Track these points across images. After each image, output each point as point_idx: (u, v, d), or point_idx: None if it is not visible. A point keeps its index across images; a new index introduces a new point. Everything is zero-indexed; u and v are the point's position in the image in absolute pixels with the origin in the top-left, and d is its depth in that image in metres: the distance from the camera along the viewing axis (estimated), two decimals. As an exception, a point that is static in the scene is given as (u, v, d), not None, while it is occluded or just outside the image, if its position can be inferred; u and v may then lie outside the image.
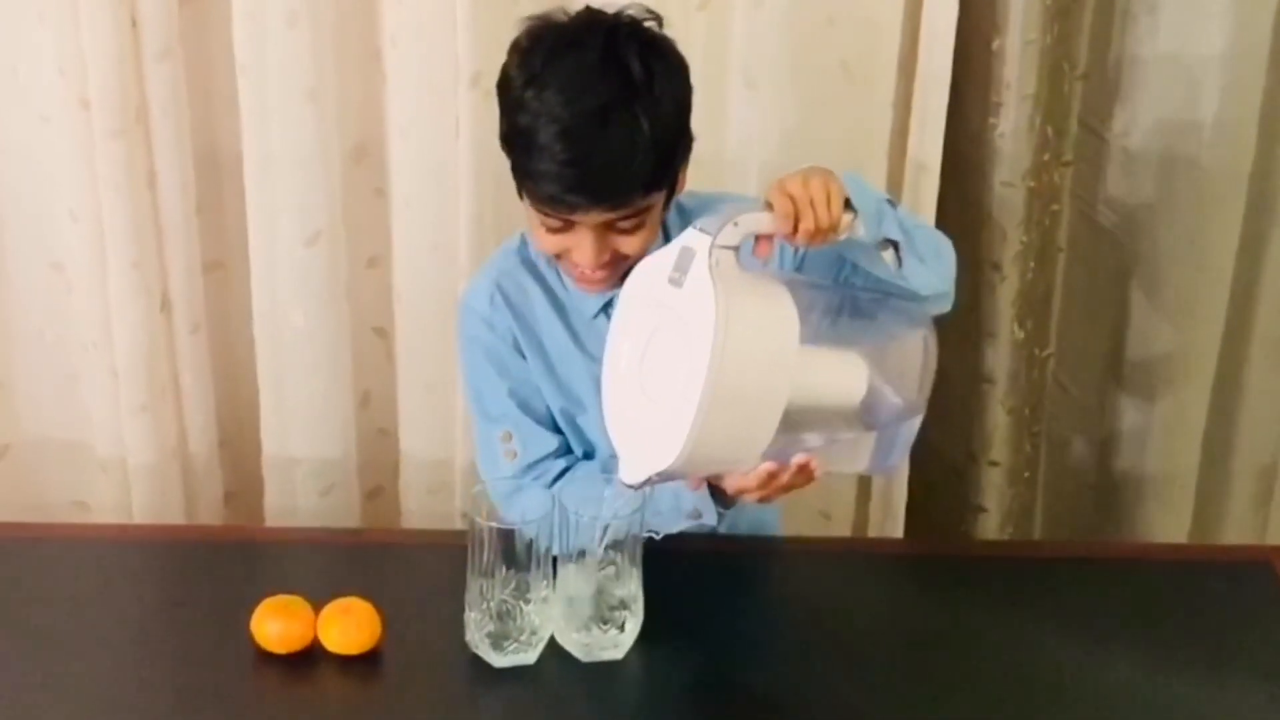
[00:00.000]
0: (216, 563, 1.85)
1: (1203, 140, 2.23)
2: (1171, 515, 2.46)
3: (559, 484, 1.77)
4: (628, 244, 1.63)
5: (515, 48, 1.62)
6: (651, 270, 1.49)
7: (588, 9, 1.64)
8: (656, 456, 1.42)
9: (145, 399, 2.23)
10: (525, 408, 1.81)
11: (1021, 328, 2.31)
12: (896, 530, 2.40)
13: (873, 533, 2.42)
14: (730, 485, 1.58)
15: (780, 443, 1.45)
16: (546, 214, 1.61)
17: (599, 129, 1.53)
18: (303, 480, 2.33)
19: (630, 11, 1.63)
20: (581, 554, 1.57)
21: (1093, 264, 2.36)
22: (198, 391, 2.30)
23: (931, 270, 1.62)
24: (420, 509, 2.37)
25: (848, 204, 1.49)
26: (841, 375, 1.50)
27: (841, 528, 2.43)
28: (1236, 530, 2.54)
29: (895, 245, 1.57)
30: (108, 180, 2.10)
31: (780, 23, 2.15)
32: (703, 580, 1.77)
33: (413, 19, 2.09)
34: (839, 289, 1.70)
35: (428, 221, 2.19)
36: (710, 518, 1.68)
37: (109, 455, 2.31)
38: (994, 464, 2.40)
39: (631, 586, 1.59)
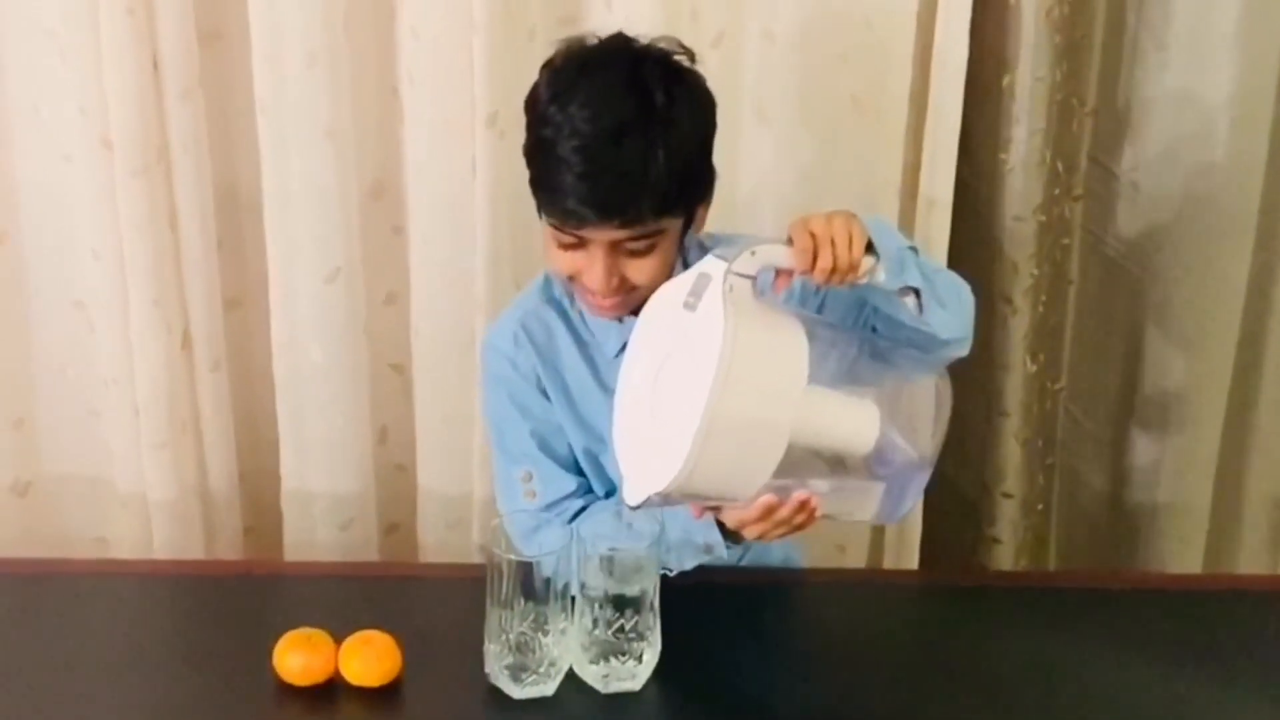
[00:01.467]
0: (238, 597, 1.86)
1: (1212, 175, 2.24)
2: (1184, 546, 2.46)
3: (576, 521, 1.79)
4: (638, 270, 1.66)
5: (548, 65, 1.68)
6: (670, 294, 1.51)
7: (620, 34, 1.69)
8: (656, 477, 1.43)
9: (166, 435, 2.25)
10: (546, 448, 1.83)
11: (1034, 360, 2.32)
12: (912, 562, 2.40)
13: (888, 564, 2.43)
14: (730, 519, 1.59)
15: (786, 481, 1.46)
16: (559, 229, 1.64)
17: (614, 145, 1.58)
18: (322, 515, 2.34)
19: (662, 44, 1.68)
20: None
21: (1104, 297, 2.37)
22: (218, 427, 2.31)
23: (952, 314, 1.63)
24: (438, 543, 2.38)
25: (870, 248, 1.51)
26: (854, 420, 1.50)
27: (857, 559, 2.44)
28: (1249, 561, 2.54)
29: (917, 292, 1.58)
30: (129, 219, 2.12)
31: (792, 58, 2.17)
32: (719, 611, 1.78)
33: (430, 59, 2.11)
34: (858, 333, 1.71)
35: (445, 258, 2.21)
36: (721, 551, 1.69)
37: (130, 491, 2.33)
38: (1008, 495, 2.40)
39: (649, 618, 1.60)
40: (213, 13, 2.14)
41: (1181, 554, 2.47)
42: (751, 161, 2.21)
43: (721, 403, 1.36)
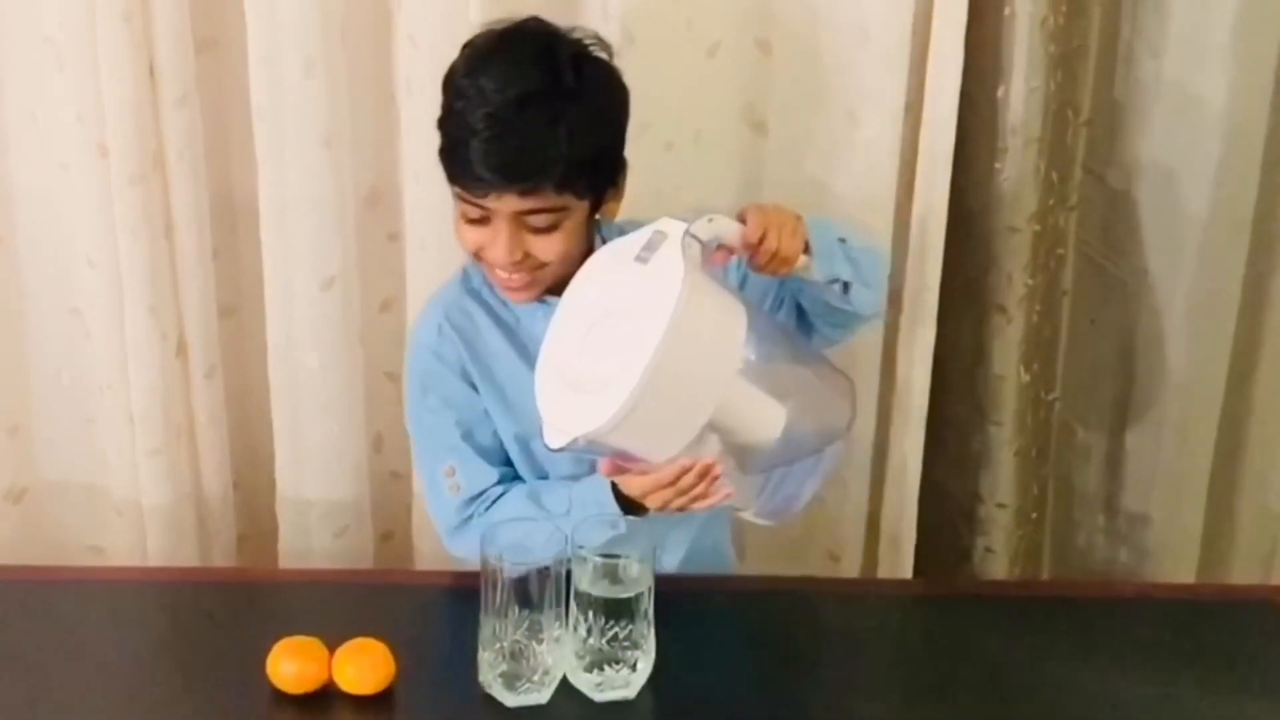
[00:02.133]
0: (232, 604, 1.86)
1: (1206, 186, 2.23)
2: (1177, 556, 2.46)
3: (492, 509, 1.82)
4: (541, 246, 1.71)
5: (466, 45, 1.75)
6: (617, 250, 1.56)
7: (537, 18, 1.75)
8: (587, 420, 1.46)
9: (160, 442, 2.25)
10: (470, 439, 1.85)
11: (1028, 370, 2.33)
12: (906, 571, 2.40)
13: (882, 574, 2.43)
14: (634, 486, 1.65)
15: (693, 449, 1.51)
16: (466, 200, 1.70)
17: (518, 111, 1.64)
18: (316, 522, 2.33)
19: (578, 34, 1.75)
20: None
21: (1098, 307, 2.37)
22: (213, 434, 2.31)
23: (876, 292, 1.77)
24: (432, 551, 2.36)
25: (806, 248, 1.61)
26: (764, 414, 1.56)
27: (850, 569, 2.44)
28: (1242, 571, 2.54)
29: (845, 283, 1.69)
30: (125, 225, 2.12)
31: (787, 69, 2.18)
32: (714, 619, 1.78)
33: (427, 66, 2.10)
34: (780, 325, 1.80)
35: (441, 266, 2.20)
36: (622, 526, 1.68)
37: (124, 498, 2.32)
38: (1001, 505, 2.41)
39: (643, 627, 1.60)
40: (209, 20, 2.13)
41: (1174, 564, 2.47)
42: (746, 171, 2.22)
43: (669, 351, 1.40)
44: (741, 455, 1.59)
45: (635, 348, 1.42)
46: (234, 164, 2.22)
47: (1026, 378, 2.33)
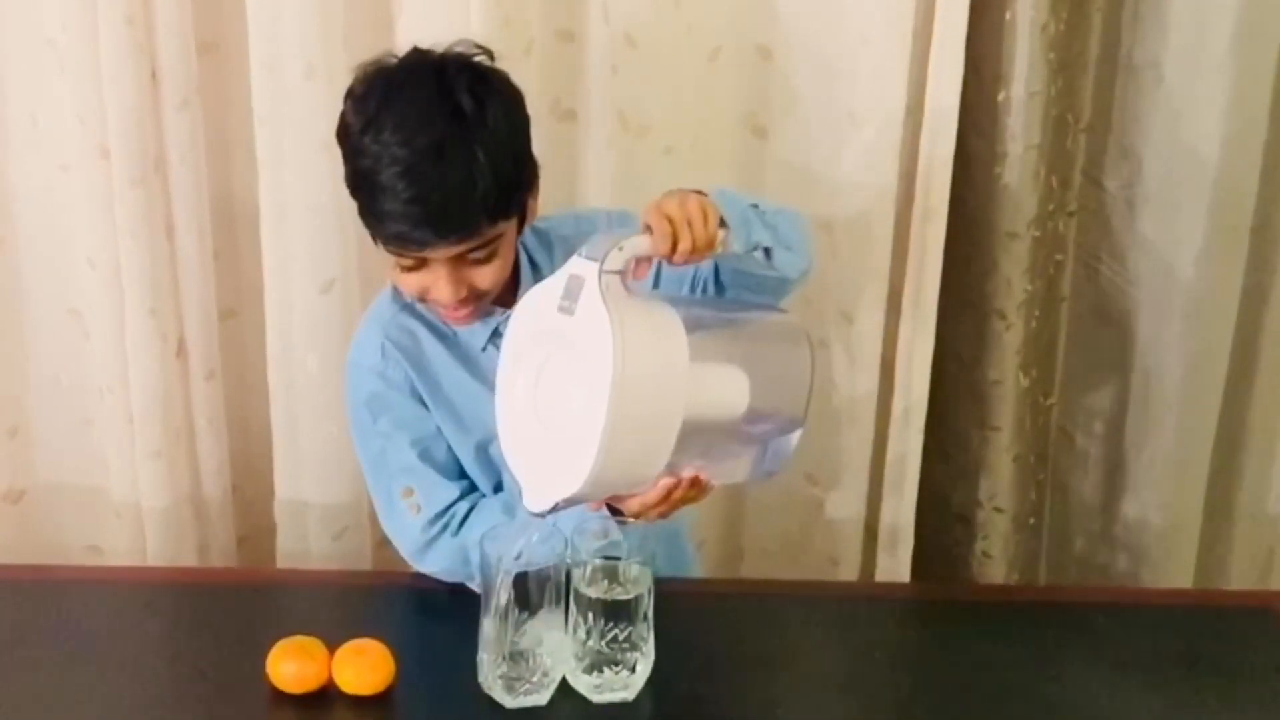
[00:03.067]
0: (232, 605, 1.87)
1: (1205, 191, 2.24)
2: (1175, 562, 2.47)
3: (465, 526, 1.80)
4: (482, 276, 1.68)
5: (350, 95, 1.69)
6: (539, 299, 1.51)
7: (415, 50, 1.70)
8: (562, 484, 1.44)
9: (160, 444, 2.25)
10: (426, 457, 1.83)
11: (1026, 375, 2.33)
12: (903, 575, 2.40)
13: (880, 578, 2.43)
14: (631, 506, 1.59)
15: (673, 460, 1.48)
16: (399, 254, 1.66)
17: (435, 164, 1.59)
18: (315, 525, 2.33)
19: (459, 49, 1.69)
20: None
21: (1096, 313, 2.38)
22: (212, 436, 2.31)
23: (799, 254, 1.69)
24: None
25: (721, 221, 1.54)
26: (726, 389, 1.54)
27: (849, 573, 2.44)
28: (1239, 576, 2.55)
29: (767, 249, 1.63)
30: (126, 228, 2.12)
31: (788, 73, 2.18)
32: (713, 622, 1.79)
33: (427, 71, 2.12)
34: (716, 303, 1.76)
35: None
36: (616, 534, 1.67)
37: (123, 500, 2.32)
38: (999, 510, 2.41)
39: (643, 629, 1.60)
40: (211, 24, 2.14)
41: (1172, 570, 2.48)
42: (746, 176, 2.22)
43: (620, 408, 1.38)
44: (729, 433, 1.58)
45: (584, 408, 1.40)
46: (235, 167, 2.22)
47: (1025, 383, 2.33)
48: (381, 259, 2.23)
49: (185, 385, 2.26)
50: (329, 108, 2.09)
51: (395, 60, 1.69)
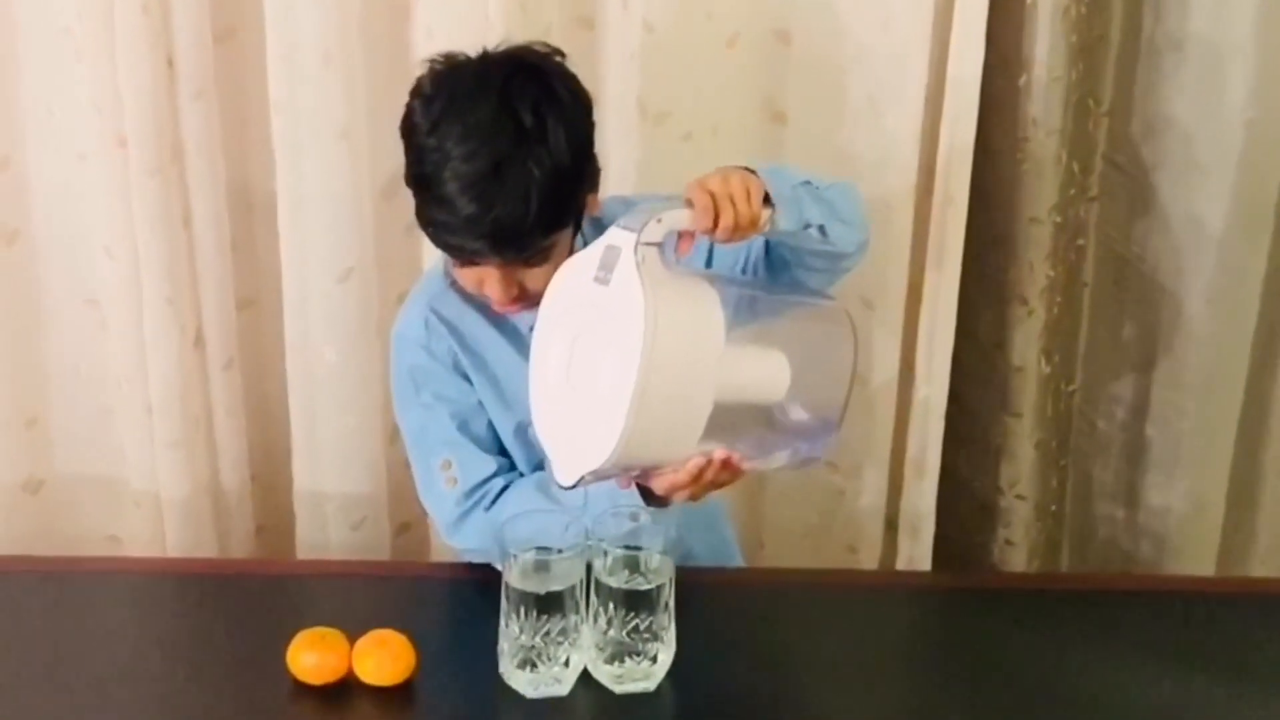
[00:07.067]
0: (251, 596, 1.86)
1: (1228, 176, 2.23)
2: (1198, 548, 2.46)
3: (497, 505, 1.80)
4: (534, 278, 1.67)
5: (418, 92, 1.68)
6: (576, 270, 1.51)
7: (485, 53, 1.68)
8: (590, 455, 1.44)
9: (178, 434, 2.25)
10: (466, 430, 1.83)
11: (1048, 362, 2.32)
12: (925, 564, 2.40)
13: (900, 566, 2.43)
14: (660, 485, 1.59)
15: (708, 440, 1.47)
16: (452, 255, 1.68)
17: (494, 184, 1.58)
18: (334, 514, 2.33)
19: (530, 54, 1.69)
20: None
21: (1118, 299, 2.37)
22: (230, 427, 2.31)
23: (853, 227, 1.68)
24: (448, 544, 2.38)
25: (767, 199, 1.53)
26: (766, 371, 1.53)
27: (870, 561, 2.44)
28: (1263, 563, 2.54)
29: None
30: (143, 217, 2.12)
31: (807, 58, 2.17)
32: (734, 612, 1.78)
33: (444, 58, 2.11)
34: (764, 285, 1.75)
35: (458, 258, 2.21)
36: (647, 517, 1.66)
37: (142, 490, 2.32)
38: (1021, 498, 2.40)
39: (664, 619, 1.60)
40: (227, 12, 2.13)
41: (1195, 556, 2.47)
42: (765, 161, 2.20)
43: (650, 378, 1.38)
44: (766, 416, 1.57)
45: (616, 378, 1.40)
46: (252, 156, 2.22)
47: (1047, 369, 2.32)
48: (399, 249, 2.25)
49: (203, 375, 2.26)
50: (345, 95, 2.11)
51: (465, 60, 1.68)
